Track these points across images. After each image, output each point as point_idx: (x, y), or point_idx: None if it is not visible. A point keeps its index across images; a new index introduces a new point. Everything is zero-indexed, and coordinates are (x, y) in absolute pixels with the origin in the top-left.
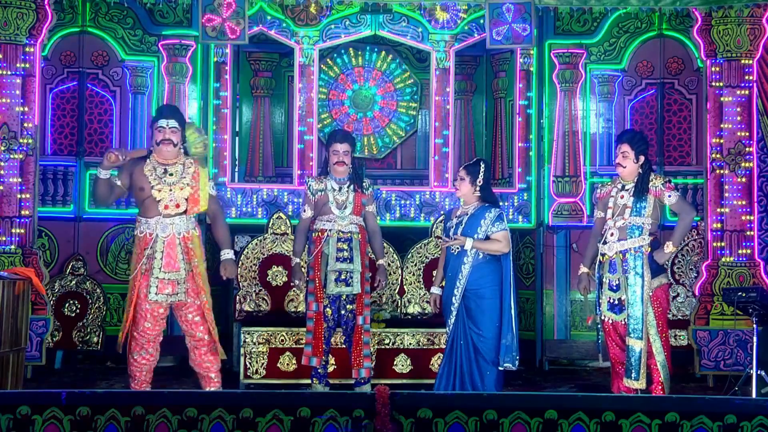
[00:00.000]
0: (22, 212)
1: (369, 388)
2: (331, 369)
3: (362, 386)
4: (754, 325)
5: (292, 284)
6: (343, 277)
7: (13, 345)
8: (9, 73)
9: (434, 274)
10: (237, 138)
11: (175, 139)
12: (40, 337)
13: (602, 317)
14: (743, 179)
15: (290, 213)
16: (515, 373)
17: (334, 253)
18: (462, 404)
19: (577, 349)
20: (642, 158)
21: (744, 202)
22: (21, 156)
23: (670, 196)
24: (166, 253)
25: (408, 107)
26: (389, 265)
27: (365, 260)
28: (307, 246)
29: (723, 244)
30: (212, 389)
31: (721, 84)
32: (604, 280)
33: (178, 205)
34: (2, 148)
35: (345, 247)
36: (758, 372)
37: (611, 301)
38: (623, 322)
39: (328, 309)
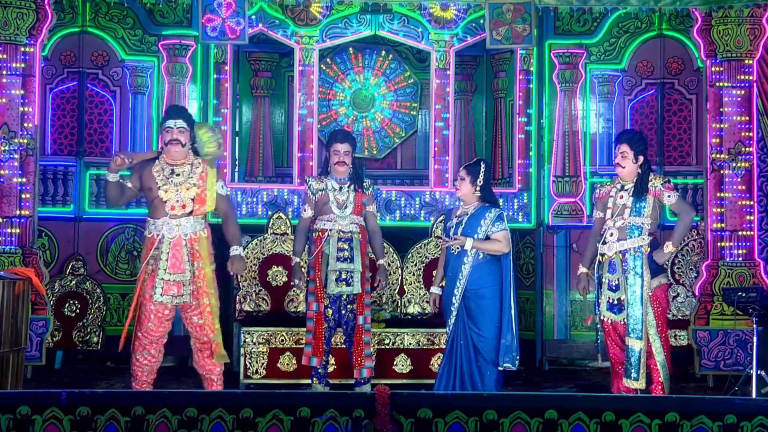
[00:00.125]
0: (22, 212)
1: (369, 388)
2: (331, 369)
3: (362, 386)
4: (754, 325)
5: (292, 284)
6: (343, 276)
7: (13, 345)
8: (9, 73)
9: (434, 274)
10: (237, 138)
11: (183, 140)
12: (40, 337)
13: (601, 317)
14: (743, 179)
15: (290, 214)
16: (515, 373)
17: (334, 252)
18: (462, 404)
19: (577, 349)
20: (641, 158)
21: (744, 202)
22: (21, 156)
23: (669, 196)
24: (172, 254)
25: (408, 107)
26: (389, 265)
27: (366, 260)
28: (307, 246)
29: (723, 244)
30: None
31: (721, 84)
32: (603, 280)
33: (184, 206)
34: (2, 148)
35: (345, 246)
36: (758, 372)
37: (610, 301)
38: (623, 322)
39: (328, 309)
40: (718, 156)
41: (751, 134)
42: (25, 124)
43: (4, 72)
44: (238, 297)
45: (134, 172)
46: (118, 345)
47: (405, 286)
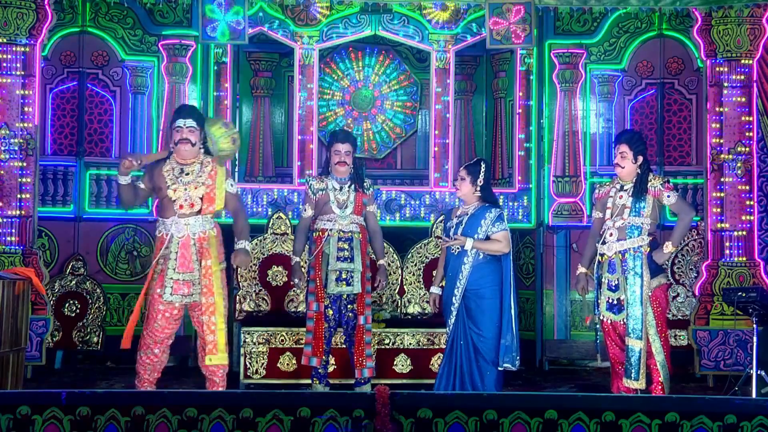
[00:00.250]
0: (22, 212)
1: (369, 388)
2: (331, 369)
3: (362, 386)
4: (754, 325)
5: (291, 283)
6: (343, 276)
7: (13, 345)
8: (9, 73)
9: (434, 274)
10: None
11: (192, 139)
12: (40, 337)
13: (601, 317)
14: (743, 179)
15: (290, 214)
16: (515, 373)
17: (334, 252)
18: (462, 404)
19: (577, 349)
20: (640, 158)
21: (744, 202)
22: (21, 156)
23: (669, 197)
24: (181, 253)
25: (408, 107)
26: (389, 265)
27: (366, 260)
28: (307, 246)
29: (723, 244)
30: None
31: (722, 84)
32: (603, 280)
33: (192, 205)
34: (2, 148)
35: (346, 246)
36: (758, 372)
37: (610, 301)
38: (622, 322)
39: (329, 309)
40: (718, 156)
41: (751, 134)
42: (25, 124)
43: (4, 72)
44: (238, 297)
45: (146, 173)
46: (118, 345)
47: (405, 286)
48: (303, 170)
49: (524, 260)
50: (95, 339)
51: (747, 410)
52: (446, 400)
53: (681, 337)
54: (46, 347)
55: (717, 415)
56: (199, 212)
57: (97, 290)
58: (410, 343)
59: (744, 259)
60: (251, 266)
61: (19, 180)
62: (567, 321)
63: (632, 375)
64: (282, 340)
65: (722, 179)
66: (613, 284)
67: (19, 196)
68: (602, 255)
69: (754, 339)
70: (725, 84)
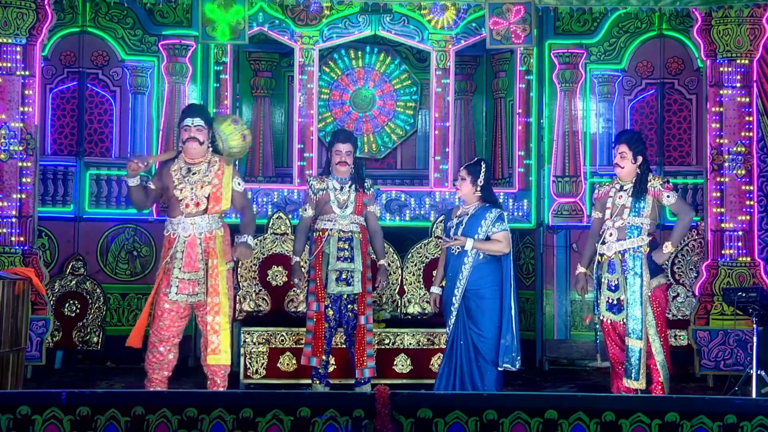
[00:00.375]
0: (22, 212)
1: (369, 388)
2: (331, 369)
3: (362, 386)
4: (754, 325)
5: (291, 283)
6: (343, 276)
7: (13, 345)
8: (9, 73)
9: (434, 274)
10: None
11: (200, 138)
12: (40, 337)
13: (601, 317)
14: (743, 179)
15: (290, 214)
16: (515, 373)
17: (335, 252)
18: (462, 404)
19: (577, 349)
20: (640, 158)
21: (744, 202)
22: (21, 156)
23: (668, 197)
24: (186, 253)
25: (408, 107)
26: (389, 265)
27: (366, 260)
28: (307, 245)
29: (723, 244)
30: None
31: (721, 84)
32: (602, 280)
33: (198, 204)
34: (2, 148)
35: (346, 246)
36: (758, 372)
37: (610, 301)
38: (622, 322)
39: (329, 309)
40: (718, 156)
41: (751, 134)
42: (25, 124)
43: (4, 72)
44: (238, 297)
45: (156, 173)
46: (118, 345)
47: (405, 286)
48: (303, 170)
49: (524, 260)
50: (95, 339)
51: (747, 410)
52: (446, 400)
53: (681, 337)
54: (46, 347)
55: (717, 415)
56: (205, 211)
57: (97, 290)
58: (410, 343)
59: (744, 259)
60: (251, 266)
61: (20, 180)
62: (567, 321)
63: (632, 375)
64: (282, 340)
65: (722, 179)
66: (613, 284)
67: (19, 196)
68: (602, 255)
69: (754, 339)
70: (725, 84)
